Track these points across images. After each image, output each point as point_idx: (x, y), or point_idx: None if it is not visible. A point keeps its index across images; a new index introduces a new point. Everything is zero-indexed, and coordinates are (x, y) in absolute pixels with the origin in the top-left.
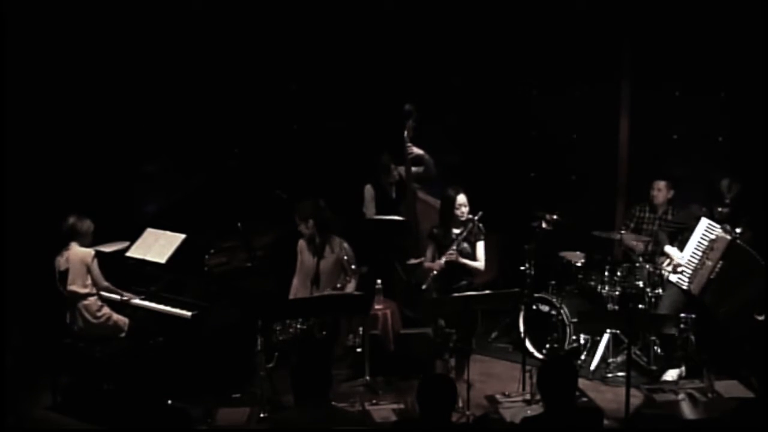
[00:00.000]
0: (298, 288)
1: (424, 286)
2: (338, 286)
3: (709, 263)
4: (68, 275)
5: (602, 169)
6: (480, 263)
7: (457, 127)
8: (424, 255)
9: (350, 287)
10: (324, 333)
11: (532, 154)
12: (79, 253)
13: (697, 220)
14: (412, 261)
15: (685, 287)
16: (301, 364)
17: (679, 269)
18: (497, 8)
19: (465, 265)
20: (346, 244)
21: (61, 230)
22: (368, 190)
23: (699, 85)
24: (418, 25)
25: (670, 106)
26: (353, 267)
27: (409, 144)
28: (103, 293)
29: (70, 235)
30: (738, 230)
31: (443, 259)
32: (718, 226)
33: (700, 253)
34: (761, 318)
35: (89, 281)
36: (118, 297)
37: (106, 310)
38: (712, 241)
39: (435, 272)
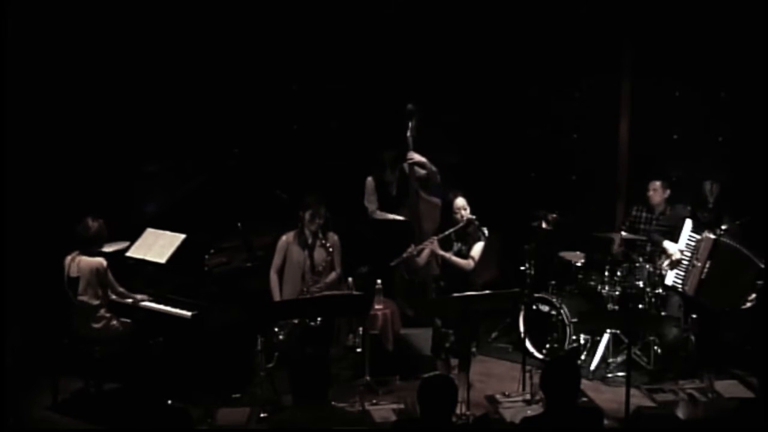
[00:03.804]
0: (286, 283)
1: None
2: (332, 276)
3: (698, 264)
4: (79, 283)
5: (602, 169)
6: (467, 262)
7: (457, 127)
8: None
9: (333, 276)
10: (318, 320)
11: (532, 154)
12: (90, 263)
13: (683, 220)
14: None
15: (680, 289)
16: (300, 357)
17: (676, 265)
18: (497, 8)
19: (444, 257)
20: (336, 237)
21: (62, 231)
22: (369, 182)
23: (699, 85)
24: (418, 25)
25: (670, 106)
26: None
27: (410, 151)
28: (114, 298)
29: (86, 240)
30: (723, 227)
31: (425, 246)
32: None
33: (689, 254)
34: (750, 300)
35: (100, 292)
36: (130, 300)
37: (114, 322)
38: (698, 241)
39: (420, 255)
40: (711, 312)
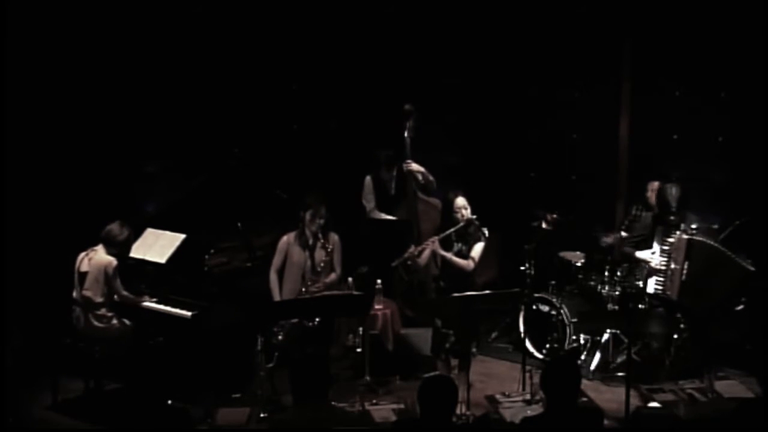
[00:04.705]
0: (286, 283)
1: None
2: (332, 277)
3: (677, 267)
4: (86, 279)
5: (602, 169)
6: (467, 262)
7: (457, 127)
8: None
9: (332, 276)
10: (316, 321)
11: (532, 154)
12: (102, 260)
13: (652, 228)
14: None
15: (662, 295)
16: (300, 357)
17: (655, 273)
18: (497, 8)
19: (445, 257)
20: (336, 237)
21: (63, 231)
22: (368, 181)
23: (699, 85)
24: (418, 25)
25: (670, 106)
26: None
27: (409, 160)
28: (118, 300)
29: (113, 244)
30: (693, 226)
31: (426, 245)
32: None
33: (665, 258)
34: (742, 303)
35: (105, 289)
36: (133, 303)
37: (115, 321)
38: (671, 244)
39: (420, 256)
40: (697, 313)
